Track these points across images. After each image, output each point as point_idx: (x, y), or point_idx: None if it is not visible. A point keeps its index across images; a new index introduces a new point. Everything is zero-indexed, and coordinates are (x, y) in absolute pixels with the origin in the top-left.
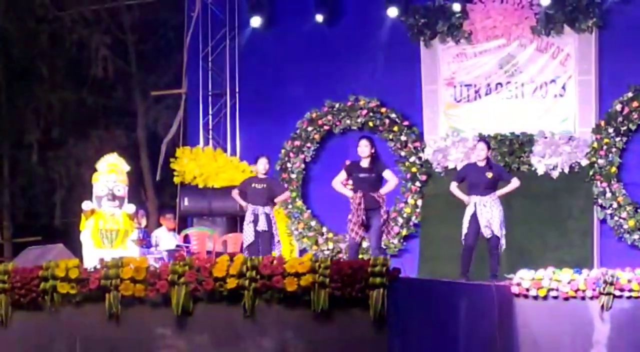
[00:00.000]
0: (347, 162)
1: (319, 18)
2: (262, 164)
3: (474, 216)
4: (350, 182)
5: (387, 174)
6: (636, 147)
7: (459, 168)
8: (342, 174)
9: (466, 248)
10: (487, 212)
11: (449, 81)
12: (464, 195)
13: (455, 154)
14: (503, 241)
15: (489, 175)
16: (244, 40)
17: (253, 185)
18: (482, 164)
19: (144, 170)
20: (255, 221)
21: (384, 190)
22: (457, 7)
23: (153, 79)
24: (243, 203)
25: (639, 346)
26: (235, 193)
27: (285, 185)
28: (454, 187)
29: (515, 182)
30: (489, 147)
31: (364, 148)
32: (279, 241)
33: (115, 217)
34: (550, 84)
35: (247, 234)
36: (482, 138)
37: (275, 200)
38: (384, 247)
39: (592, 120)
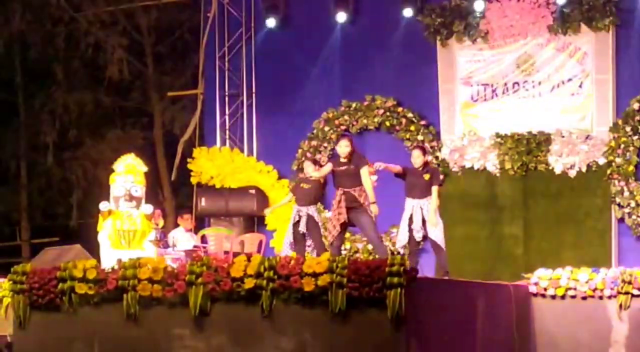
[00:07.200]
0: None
1: (336, 18)
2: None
3: (410, 219)
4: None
5: (363, 172)
6: None
7: (475, 167)
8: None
9: (411, 252)
10: (425, 215)
11: (465, 80)
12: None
13: (472, 153)
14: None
15: (426, 177)
16: (260, 40)
17: (302, 185)
18: (419, 167)
19: (160, 171)
20: (298, 222)
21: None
22: (476, 6)
23: (169, 80)
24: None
25: None
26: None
27: None
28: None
29: (434, 192)
30: (424, 153)
31: (344, 148)
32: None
33: (133, 218)
34: (567, 83)
35: (288, 234)
36: (417, 146)
37: None
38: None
39: (610, 119)
